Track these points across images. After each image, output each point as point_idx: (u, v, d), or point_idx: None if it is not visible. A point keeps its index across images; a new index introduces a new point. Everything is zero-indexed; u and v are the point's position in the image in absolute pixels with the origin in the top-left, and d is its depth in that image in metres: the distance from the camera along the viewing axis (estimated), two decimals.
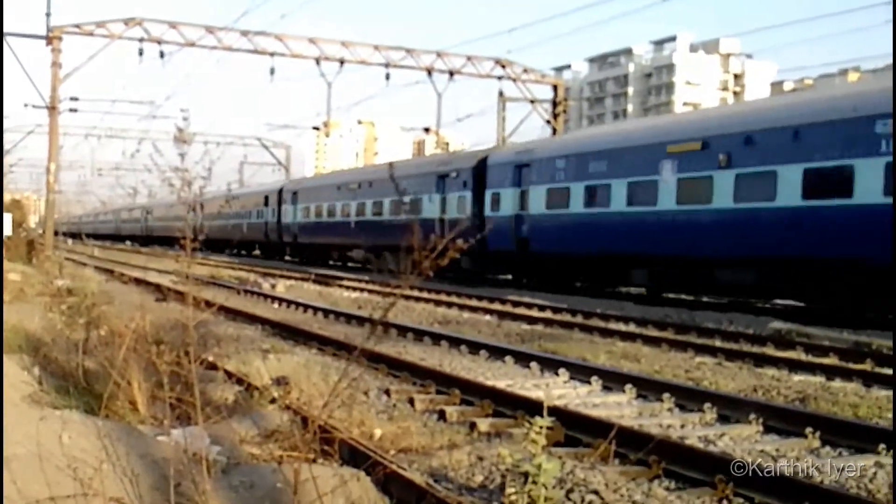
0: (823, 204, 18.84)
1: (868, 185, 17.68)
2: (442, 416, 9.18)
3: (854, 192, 18.07)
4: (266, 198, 52.98)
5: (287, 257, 50.93)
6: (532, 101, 41.17)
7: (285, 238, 50.29)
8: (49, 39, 35.36)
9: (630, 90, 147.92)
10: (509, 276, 31.95)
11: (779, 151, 19.91)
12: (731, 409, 9.27)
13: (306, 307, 21.13)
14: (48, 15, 35.63)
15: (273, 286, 28.44)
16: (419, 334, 15.58)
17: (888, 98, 16.93)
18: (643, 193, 23.59)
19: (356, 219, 41.01)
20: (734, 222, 20.96)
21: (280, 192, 51.60)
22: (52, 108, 36.15)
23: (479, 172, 31.51)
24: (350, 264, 41.30)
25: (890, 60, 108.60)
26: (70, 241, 69.37)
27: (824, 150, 18.82)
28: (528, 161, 28.97)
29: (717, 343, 15.44)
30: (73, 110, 48.72)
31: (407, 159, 51.22)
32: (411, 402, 9.81)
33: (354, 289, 28.22)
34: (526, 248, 28.22)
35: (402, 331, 15.88)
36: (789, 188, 19.60)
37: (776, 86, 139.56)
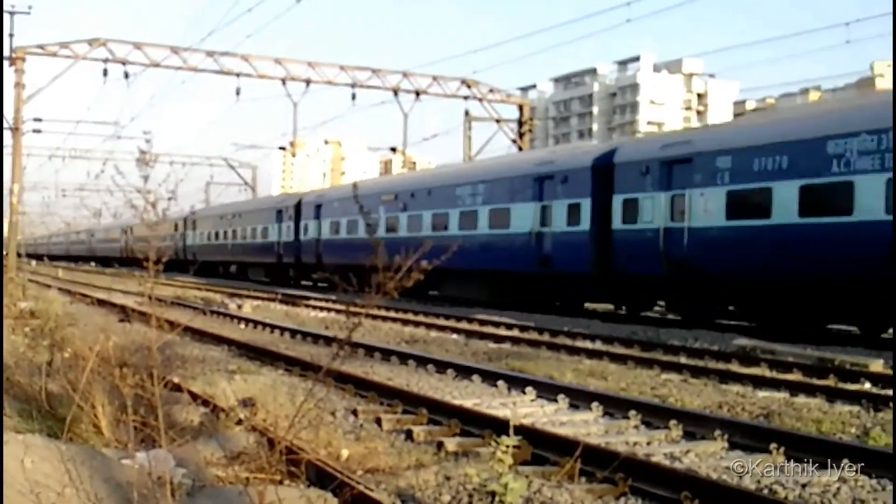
0: (439, 234, 30.89)
1: (454, 225, 30.99)
2: (409, 435, 9.16)
3: (448, 228, 31.11)
4: (176, 224, 64.33)
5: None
6: (498, 121, 41.41)
7: (189, 256, 61.56)
8: (12, 60, 35.11)
9: (595, 109, 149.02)
10: (310, 282, 45.19)
11: (423, 202, 33.12)
12: (697, 425, 9.33)
13: (273, 327, 21.03)
14: (11, 35, 35.52)
15: (239, 306, 28.30)
16: (386, 354, 15.55)
17: (467, 173, 32.08)
18: (431, 224, 34.96)
19: (231, 242, 54.03)
20: (409, 245, 28.70)
21: (185, 220, 63.77)
22: (15, 129, 35.84)
23: (298, 209, 44.53)
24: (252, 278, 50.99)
25: (849, 80, 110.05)
26: (33, 262, 68.61)
27: (440, 203, 32.10)
28: (320, 203, 42.42)
29: (683, 360, 15.54)
30: (36, 131, 48.52)
31: (260, 198, 65.91)
32: (378, 422, 9.79)
33: (321, 309, 28.14)
34: (320, 259, 41.01)
35: (369, 350, 15.84)
36: (427, 224, 32.63)
37: (738, 105, 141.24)
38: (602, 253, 23.96)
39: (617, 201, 23.53)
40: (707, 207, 21.19)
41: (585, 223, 24.73)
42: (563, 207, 25.64)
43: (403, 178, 40.83)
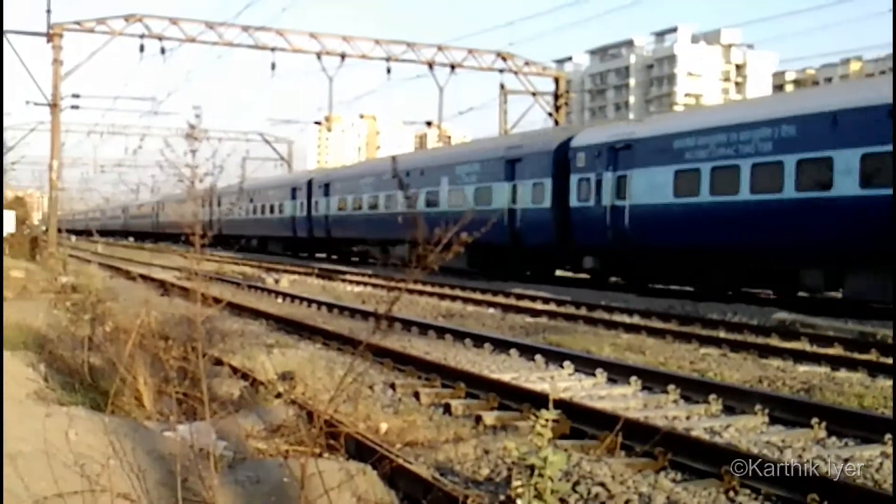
0: (261, 216, 55.42)
1: (261, 210, 55.23)
2: (447, 409, 9.19)
3: (264, 212, 54.83)
4: (153, 206, 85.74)
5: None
6: (534, 94, 41.11)
7: (164, 230, 76.59)
8: (50, 37, 35.32)
9: (632, 82, 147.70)
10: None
11: (259, 198, 55.37)
12: (737, 400, 9.27)
13: (310, 302, 21.14)
14: (49, 12, 35.62)
15: (277, 281, 28.46)
16: (423, 328, 15.58)
17: (261, 183, 58.91)
18: (262, 210, 55.17)
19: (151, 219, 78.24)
20: (248, 223, 56.66)
21: (158, 202, 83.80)
22: (53, 106, 36.12)
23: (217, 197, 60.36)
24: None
25: (889, 50, 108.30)
26: (73, 237, 69.45)
27: (262, 199, 54.91)
28: (222, 193, 55.24)
29: (722, 334, 15.44)
30: (74, 107, 48.58)
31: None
32: (416, 395, 9.83)
33: (358, 283, 28.23)
34: (223, 233, 55.80)
35: (407, 325, 15.88)
36: (252, 210, 55.96)
37: (777, 76, 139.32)
38: (310, 227, 47.15)
39: (313, 201, 47.04)
40: (331, 205, 44.86)
41: (304, 212, 47.90)
42: (298, 203, 48.87)
43: (271, 179, 63.32)
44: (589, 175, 25.69)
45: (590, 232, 25.33)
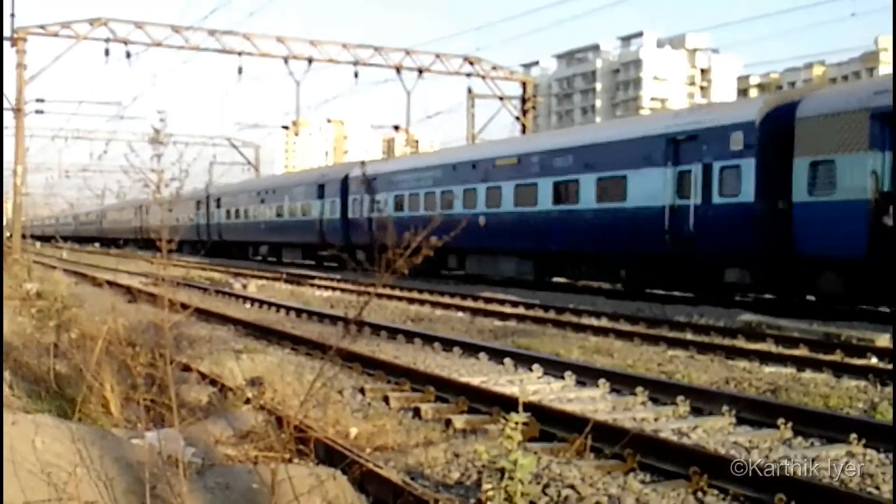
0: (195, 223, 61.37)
1: (194, 218, 59.93)
2: (417, 413, 9.19)
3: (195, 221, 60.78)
4: (97, 213, 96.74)
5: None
6: (501, 98, 41.26)
7: (106, 235, 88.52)
8: (14, 41, 34.96)
9: (598, 86, 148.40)
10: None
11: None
12: (704, 401, 9.34)
13: (278, 307, 21.05)
14: (12, 16, 35.27)
15: (244, 286, 28.32)
16: (392, 332, 15.56)
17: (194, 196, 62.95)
18: (178, 218, 57.09)
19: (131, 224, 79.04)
20: (182, 229, 52.36)
21: (101, 211, 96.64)
22: (17, 110, 35.76)
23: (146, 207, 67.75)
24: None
25: (853, 55, 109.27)
26: (38, 243, 68.71)
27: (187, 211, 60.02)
28: (150, 204, 62.19)
29: (689, 336, 15.54)
30: (39, 112, 48.24)
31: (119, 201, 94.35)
32: (386, 400, 9.81)
33: (326, 288, 28.16)
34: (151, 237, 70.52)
35: (376, 329, 15.85)
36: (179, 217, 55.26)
37: (742, 80, 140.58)
38: (209, 232, 56.72)
39: (210, 211, 57.77)
40: (221, 215, 55.58)
41: (204, 219, 58.18)
42: (201, 213, 58.76)
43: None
44: (357, 196, 38.65)
45: (359, 234, 37.50)
